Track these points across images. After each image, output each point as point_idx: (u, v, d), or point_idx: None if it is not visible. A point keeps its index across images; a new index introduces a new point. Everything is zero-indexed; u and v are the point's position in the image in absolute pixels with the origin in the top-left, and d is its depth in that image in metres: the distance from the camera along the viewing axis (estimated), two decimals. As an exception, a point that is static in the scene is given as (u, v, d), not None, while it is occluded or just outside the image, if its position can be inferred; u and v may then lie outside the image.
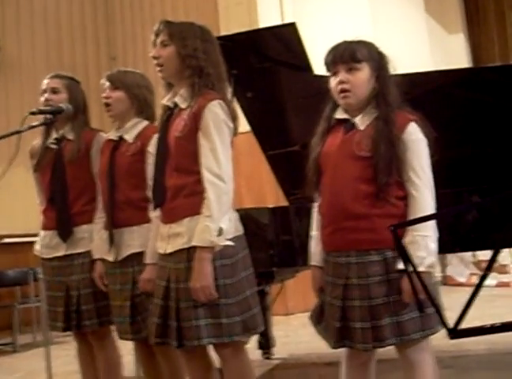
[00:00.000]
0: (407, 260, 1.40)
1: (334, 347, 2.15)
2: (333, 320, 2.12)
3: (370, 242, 2.08)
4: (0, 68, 7.91)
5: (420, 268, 1.90)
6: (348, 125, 2.17)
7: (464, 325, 1.34)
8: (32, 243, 2.99)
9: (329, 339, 2.18)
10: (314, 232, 2.30)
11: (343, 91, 2.13)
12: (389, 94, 2.14)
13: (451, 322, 1.35)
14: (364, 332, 2.05)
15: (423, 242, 2.01)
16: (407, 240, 1.99)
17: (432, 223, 2.04)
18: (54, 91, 2.89)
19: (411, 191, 2.08)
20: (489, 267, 1.25)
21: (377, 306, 2.05)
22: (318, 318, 2.25)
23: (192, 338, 2.17)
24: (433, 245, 2.03)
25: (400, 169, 2.07)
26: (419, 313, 2.02)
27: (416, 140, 2.09)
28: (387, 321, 2.03)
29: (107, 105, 2.74)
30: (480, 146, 3.29)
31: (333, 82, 2.16)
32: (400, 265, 2.00)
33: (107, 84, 2.75)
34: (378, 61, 2.17)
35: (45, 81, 2.93)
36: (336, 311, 2.12)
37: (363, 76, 2.13)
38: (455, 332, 1.27)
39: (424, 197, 2.08)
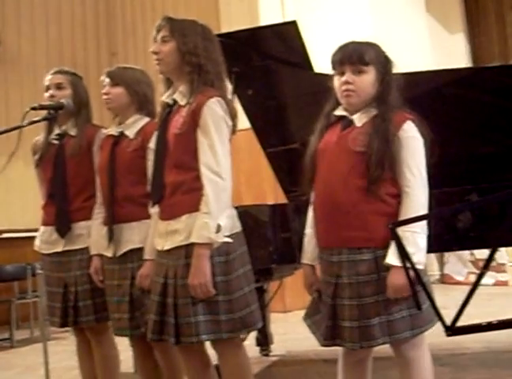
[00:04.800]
0: (406, 258, 1.41)
1: (324, 345, 2.15)
2: (325, 318, 2.13)
3: (363, 240, 2.08)
4: (0, 62, 7.89)
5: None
6: (345, 121, 2.18)
7: (461, 323, 1.35)
8: (30, 238, 2.99)
9: (318, 336, 2.19)
10: (308, 230, 2.30)
11: (347, 91, 2.14)
12: (390, 96, 2.15)
13: (448, 320, 1.36)
14: (352, 331, 2.05)
15: (412, 238, 1.98)
16: None
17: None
18: (58, 86, 2.89)
19: (404, 188, 2.08)
20: (486, 265, 1.26)
21: (366, 305, 2.05)
22: (309, 313, 2.26)
23: (190, 334, 2.17)
24: (422, 241, 2.02)
25: (394, 165, 2.06)
26: (409, 311, 2.03)
27: (411, 138, 2.10)
28: (376, 321, 2.03)
29: (108, 101, 2.73)
30: (479, 145, 3.30)
31: (338, 81, 2.17)
32: (389, 260, 2.00)
33: (107, 80, 2.75)
34: (385, 65, 2.17)
35: (48, 77, 2.91)
36: (327, 309, 2.13)
37: (368, 78, 2.14)
38: (452, 330, 1.27)
39: (417, 193, 2.07)
